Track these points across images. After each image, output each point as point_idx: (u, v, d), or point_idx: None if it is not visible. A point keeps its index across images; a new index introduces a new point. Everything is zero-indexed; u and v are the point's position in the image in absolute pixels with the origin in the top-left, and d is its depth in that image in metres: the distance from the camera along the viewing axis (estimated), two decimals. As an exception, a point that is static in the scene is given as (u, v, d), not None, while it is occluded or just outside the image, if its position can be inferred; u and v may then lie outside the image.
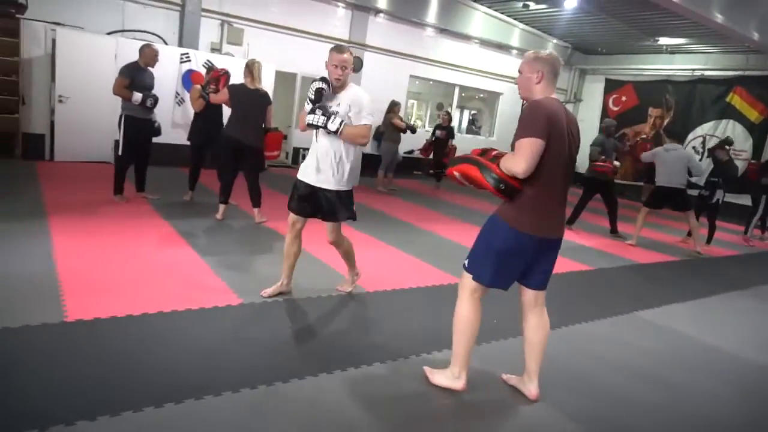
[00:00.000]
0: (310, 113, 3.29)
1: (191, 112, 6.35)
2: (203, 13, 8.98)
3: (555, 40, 13.75)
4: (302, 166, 3.53)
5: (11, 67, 7.37)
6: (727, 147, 8.40)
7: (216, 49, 9.23)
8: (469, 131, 14.79)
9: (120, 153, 5.66)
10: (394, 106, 9.04)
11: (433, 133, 10.19)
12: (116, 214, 5.29)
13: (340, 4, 10.56)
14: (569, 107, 9.46)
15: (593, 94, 15.01)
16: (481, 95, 14.58)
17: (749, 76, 11.95)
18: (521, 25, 12.95)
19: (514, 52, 13.23)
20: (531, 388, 2.72)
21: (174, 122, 8.21)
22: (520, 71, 2.57)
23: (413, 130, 9.30)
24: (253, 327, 3.24)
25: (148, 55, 5.62)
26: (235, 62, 8.03)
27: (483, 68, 13.08)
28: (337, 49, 3.32)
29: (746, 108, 12.09)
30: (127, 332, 2.89)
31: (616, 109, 14.36)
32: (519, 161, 2.35)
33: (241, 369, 2.66)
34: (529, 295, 2.68)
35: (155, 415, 2.19)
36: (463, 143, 10.77)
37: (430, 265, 4.94)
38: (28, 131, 7.74)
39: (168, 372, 2.55)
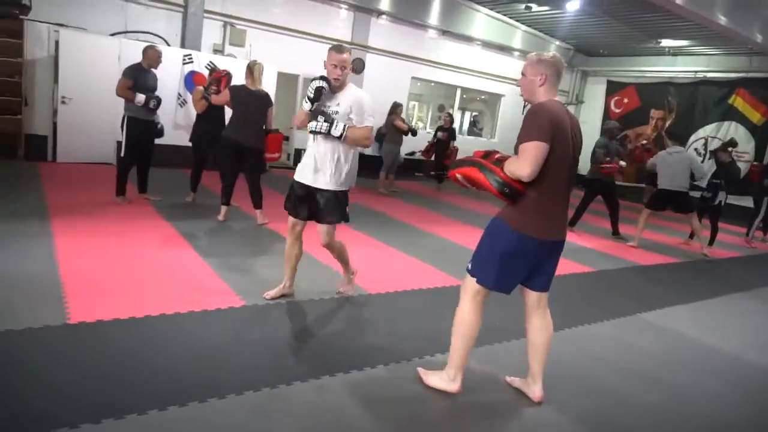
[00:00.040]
0: (311, 120, 3.26)
1: (193, 113, 6.37)
2: (206, 15, 9.01)
3: (557, 42, 13.76)
4: (299, 167, 3.48)
5: (14, 68, 7.39)
6: (730, 149, 8.40)
7: (218, 51, 9.25)
8: (470, 133, 14.80)
9: (122, 154, 5.67)
10: (396, 108, 9.04)
11: (435, 135, 10.20)
12: (118, 215, 5.30)
13: (342, 5, 10.58)
14: (571, 109, 9.44)
15: (595, 95, 15.02)
16: (483, 97, 14.59)
17: (752, 78, 11.95)
18: (523, 27, 12.96)
19: (516, 53, 13.24)
20: (535, 390, 2.72)
21: (176, 124, 8.22)
22: (523, 73, 2.56)
23: (414, 133, 9.30)
24: (256, 329, 3.24)
25: (152, 56, 5.63)
26: (238, 63, 8.05)
27: (485, 70, 13.09)
28: (337, 48, 3.28)
29: (749, 110, 12.08)
30: (129, 334, 2.90)
31: (617, 110, 14.36)
32: (523, 165, 2.34)
33: (244, 371, 2.66)
34: (532, 297, 2.68)
35: (159, 417, 2.19)
36: (465, 145, 10.77)
37: (433, 267, 4.94)
38: (31, 132, 7.76)
39: (171, 374, 2.55)
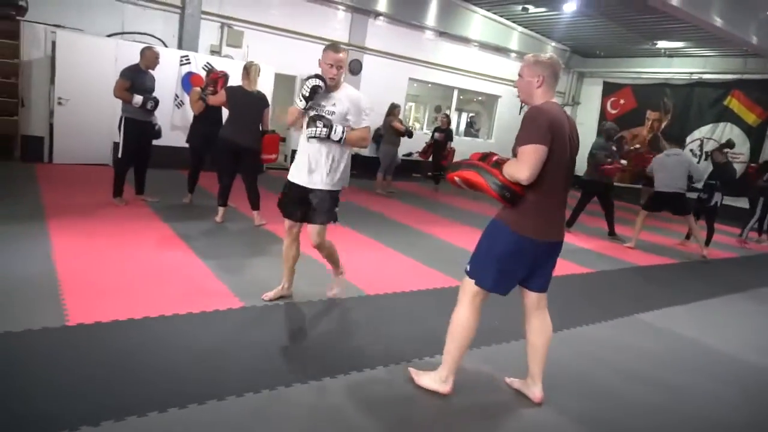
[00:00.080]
0: (309, 126, 3.21)
1: (190, 114, 6.36)
2: (203, 16, 8.99)
3: (554, 43, 13.79)
4: (293, 167, 3.43)
5: (11, 70, 7.36)
6: (726, 150, 8.44)
7: (215, 52, 9.24)
8: (467, 134, 14.82)
9: (120, 155, 5.65)
10: (393, 109, 9.05)
11: (432, 136, 10.21)
12: (115, 216, 5.28)
13: (339, 6, 10.58)
14: (567, 110, 9.46)
15: (591, 97, 15.06)
16: (480, 98, 14.61)
17: (747, 79, 12.01)
18: (520, 28, 12.98)
19: (513, 55, 13.26)
20: (535, 391, 2.73)
21: (173, 125, 8.20)
22: (520, 75, 2.56)
23: (410, 135, 9.29)
24: (255, 331, 3.23)
25: (149, 57, 5.61)
26: (235, 65, 8.04)
27: (482, 71, 13.11)
28: (333, 47, 3.23)
29: (744, 111, 12.14)
30: (128, 336, 2.89)
31: (614, 112, 14.40)
32: (523, 168, 2.35)
33: (243, 373, 2.66)
34: (531, 297, 2.68)
35: (159, 419, 2.19)
36: (462, 146, 10.79)
37: (431, 268, 4.94)
38: (27, 133, 7.72)
39: (171, 376, 2.54)
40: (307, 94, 3.18)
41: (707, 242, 7.74)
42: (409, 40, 11.69)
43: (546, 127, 2.35)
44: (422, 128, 14.38)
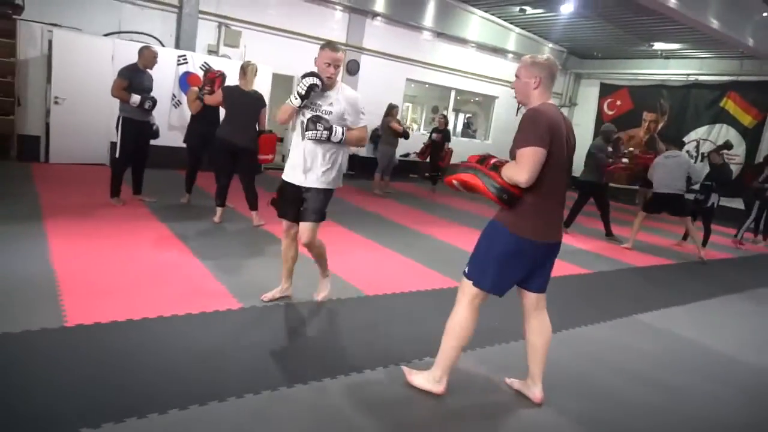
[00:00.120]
0: (309, 128, 3.19)
1: (188, 114, 6.35)
2: (200, 15, 8.97)
3: (551, 45, 13.83)
4: (288, 167, 3.40)
5: (7, 68, 7.33)
6: (724, 151, 8.47)
7: (213, 51, 9.22)
8: (464, 135, 14.83)
9: (117, 155, 5.63)
10: (391, 110, 9.04)
11: (430, 137, 10.21)
12: (113, 216, 5.26)
13: (337, 6, 10.58)
14: (564, 111, 9.50)
15: (588, 98, 15.11)
16: (477, 99, 14.63)
17: (743, 81, 12.07)
18: (517, 30, 13.01)
19: (510, 56, 13.29)
20: (535, 392, 2.73)
21: (170, 124, 8.17)
22: (517, 75, 2.56)
23: (406, 136, 9.29)
24: (255, 331, 3.22)
25: (147, 57, 5.60)
26: (232, 64, 8.02)
27: (479, 72, 13.13)
28: (331, 46, 3.20)
29: (740, 113, 12.20)
30: (127, 337, 2.87)
31: (610, 113, 14.44)
32: (522, 171, 2.34)
33: (243, 373, 2.65)
34: (530, 298, 2.68)
35: (160, 421, 2.18)
36: (459, 146, 10.80)
37: (429, 269, 4.94)
38: (24, 133, 7.70)
39: (171, 377, 2.53)
40: (304, 93, 3.17)
41: (704, 243, 7.76)
42: (407, 40, 11.70)
43: (544, 130, 2.35)
44: (420, 129, 14.39)
